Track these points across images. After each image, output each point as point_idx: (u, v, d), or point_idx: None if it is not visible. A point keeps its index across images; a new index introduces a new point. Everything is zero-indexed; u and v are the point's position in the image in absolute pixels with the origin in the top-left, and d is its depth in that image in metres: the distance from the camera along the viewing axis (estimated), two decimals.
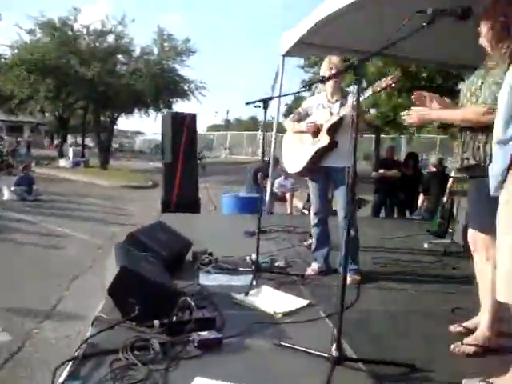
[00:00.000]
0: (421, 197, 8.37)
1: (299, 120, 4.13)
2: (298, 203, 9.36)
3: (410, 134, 19.05)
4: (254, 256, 3.98)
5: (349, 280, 3.77)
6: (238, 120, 73.01)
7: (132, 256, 3.09)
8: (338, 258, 3.86)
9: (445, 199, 5.40)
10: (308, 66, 21.60)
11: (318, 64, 20.34)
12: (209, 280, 3.70)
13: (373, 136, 23.32)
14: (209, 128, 75.01)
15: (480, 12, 2.54)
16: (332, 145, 3.85)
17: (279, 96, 5.36)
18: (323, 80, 3.84)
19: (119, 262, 2.78)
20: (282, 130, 6.28)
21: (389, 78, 3.29)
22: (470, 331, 2.82)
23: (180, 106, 39.61)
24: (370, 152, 25.14)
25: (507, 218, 1.95)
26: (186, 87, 26.08)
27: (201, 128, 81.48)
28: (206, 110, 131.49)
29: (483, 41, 2.62)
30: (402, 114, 2.85)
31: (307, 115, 4.12)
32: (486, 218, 2.54)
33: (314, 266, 4.11)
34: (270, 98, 3.65)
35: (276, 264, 4.27)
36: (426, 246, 5.43)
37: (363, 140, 30.53)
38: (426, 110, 2.75)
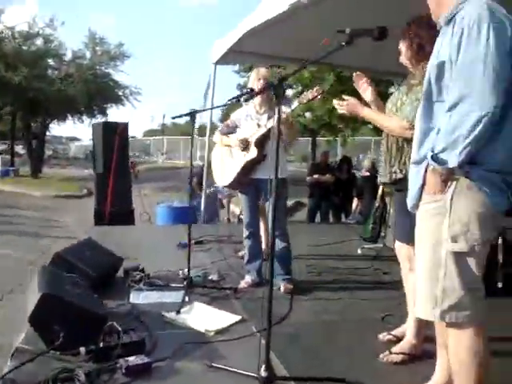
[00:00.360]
0: (355, 201, 8.56)
1: (228, 132, 4.12)
2: (236, 209, 9.33)
3: (344, 137, 19.48)
4: (186, 270, 3.92)
5: (282, 288, 3.81)
6: (174, 124, 72.21)
7: (56, 280, 2.96)
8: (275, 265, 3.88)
9: (377, 204, 5.53)
10: (243, 70, 21.67)
11: (252, 69, 20.45)
12: (140, 298, 3.61)
13: (309, 138, 23.73)
14: (145, 133, 73.92)
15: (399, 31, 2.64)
16: (260, 157, 3.86)
17: (203, 110, 5.27)
18: (250, 93, 3.84)
19: (41, 288, 2.66)
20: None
21: (314, 90, 3.35)
22: (398, 339, 2.89)
23: (115, 112, 38.74)
24: (307, 154, 25.58)
25: (421, 239, 2.01)
26: (120, 93, 25.52)
27: (137, 133, 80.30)
28: (143, 114, 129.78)
29: (403, 59, 2.72)
30: (335, 102, 2.90)
31: (236, 127, 4.11)
32: (409, 230, 2.63)
33: (248, 278, 4.10)
34: (196, 112, 3.61)
35: (209, 278, 4.22)
36: (359, 251, 5.55)
37: (300, 142, 31.02)
38: (359, 104, 2.81)
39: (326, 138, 22.53)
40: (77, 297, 2.80)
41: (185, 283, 3.78)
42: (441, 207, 1.89)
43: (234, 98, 3.94)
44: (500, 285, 4.03)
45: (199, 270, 4.42)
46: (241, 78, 20.91)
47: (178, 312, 3.29)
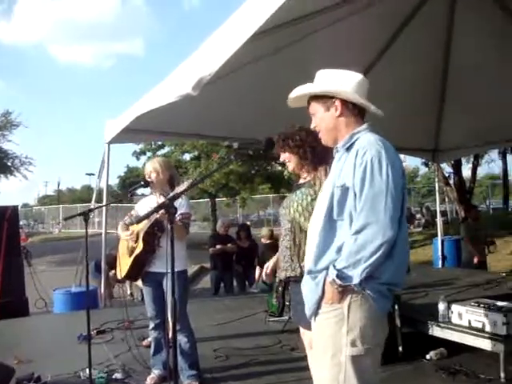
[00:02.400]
0: (257, 269, 8.58)
1: (131, 223, 4.06)
2: (139, 283, 9.04)
3: (242, 198, 19.94)
4: (88, 371, 3.71)
5: None
6: (70, 190, 69.79)
7: None
8: (179, 360, 3.79)
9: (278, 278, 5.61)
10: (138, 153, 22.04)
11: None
12: None
13: (208, 200, 24.00)
14: (39, 199, 70.64)
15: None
16: (147, 251, 3.83)
17: (96, 208, 5.15)
18: (145, 185, 3.86)
19: None
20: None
21: (186, 182, 3.42)
22: None
23: (3, 182, 36.67)
24: (207, 214, 25.83)
25: (322, 341, 2.11)
26: (9, 163, 24.29)
27: (31, 200, 76.36)
28: (36, 179, 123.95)
29: (297, 170, 2.98)
30: None
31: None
32: None
33: (155, 372, 3.97)
34: (90, 210, 3.56)
35: (114, 376, 4.04)
36: (264, 325, 5.57)
37: (200, 204, 31.20)
38: None
39: (224, 199, 22.92)
40: None
41: None
42: (339, 315, 2.05)
43: (130, 192, 3.94)
44: (400, 348, 4.24)
45: (102, 367, 4.21)
46: (137, 145, 20.75)
47: None
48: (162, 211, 2.94)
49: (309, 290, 2.16)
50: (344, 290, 2.02)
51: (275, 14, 3.11)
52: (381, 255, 1.95)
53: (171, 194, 2.43)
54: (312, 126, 2.32)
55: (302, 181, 3.01)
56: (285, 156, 2.94)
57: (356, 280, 1.97)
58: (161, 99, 4.95)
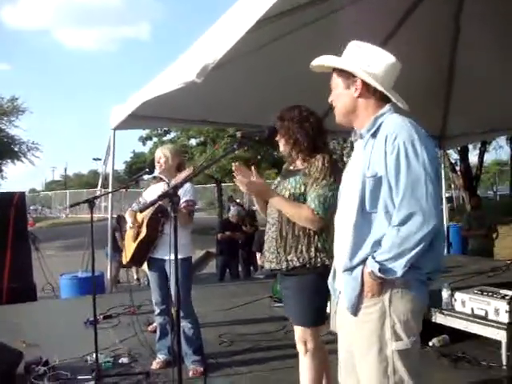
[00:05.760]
0: (258, 255, 8.64)
1: (139, 210, 4.09)
2: (145, 268, 9.10)
3: None
4: (94, 356, 3.77)
5: (190, 373, 3.76)
6: (77, 175, 70.03)
7: None
8: (183, 346, 3.85)
9: None
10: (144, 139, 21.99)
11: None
12: None
13: (215, 185, 24.04)
14: (47, 184, 71.00)
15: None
16: (150, 237, 3.87)
17: (100, 196, 5.17)
18: (149, 172, 3.89)
19: None
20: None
21: (187, 170, 3.44)
22: None
23: (11, 168, 36.89)
24: (213, 199, 25.85)
25: (365, 338, 2.05)
26: (16, 149, 24.33)
27: (38, 185, 76.71)
28: (44, 165, 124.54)
29: (288, 153, 2.79)
30: (237, 176, 2.64)
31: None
32: (305, 313, 2.72)
33: (160, 358, 4.02)
34: (95, 197, 3.58)
35: (120, 361, 4.11)
36: (269, 311, 5.62)
37: (206, 189, 31.22)
38: (265, 186, 2.70)
39: (231, 184, 22.92)
40: None
41: (93, 374, 3.63)
42: (381, 309, 1.98)
43: (135, 179, 3.96)
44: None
45: (108, 352, 4.28)
46: (143, 130, 20.76)
47: None
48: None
49: (347, 285, 2.07)
50: (384, 283, 1.95)
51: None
52: (425, 246, 1.88)
53: (173, 183, 2.41)
54: (329, 100, 2.19)
55: (296, 167, 2.81)
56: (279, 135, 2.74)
57: (399, 273, 1.90)
58: (166, 86, 4.94)
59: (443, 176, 10.31)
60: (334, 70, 2.14)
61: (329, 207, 2.54)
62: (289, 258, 2.67)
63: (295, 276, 2.71)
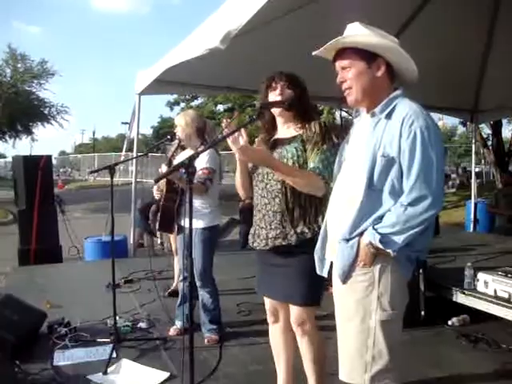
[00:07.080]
0: None
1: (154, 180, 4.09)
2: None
3: None
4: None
5: (206, 341, 3.81)
6: (105, 138, 70.82)
7: None
8: (201, 314, 3.89)
9: None
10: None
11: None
12: (64, 358, 3.51)
13: None
14: (76, 147, 72.14)
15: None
16: (170, 199, 3.89)
17: (122, 162, 5.20)
18: (170, 139, 3.86)
19: None
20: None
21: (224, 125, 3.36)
22: None
23: (41, 130, 37.46)
24: None
25: (350, 306, 2.09)
26: (46, 112, 24.64)
27: (68, 147, 77.91)
28: (73, 127, 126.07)
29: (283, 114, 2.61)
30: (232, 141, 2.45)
31: None
32: (313, 291, 2.57)
33: (177, 324, 4.08)
34: (116, 164, 3.58)
35: (138, 325, 4.18)
36: None
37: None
38: (266, 153, 2.49)
39: None
40: None
41: (112, 337, 3.71)
42: (370, 279, 2.04)
43: (155, 147, 3.94)
44: (423, 313, 4.22)
45: (128, 316, 4.36)
46: (171, 95, 20.74)
47: (105, 373, 3.23)
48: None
49: (342, 253, 2.09)
50: (377, 255, 2.01)
51: None
52: (425, 227, 1.98)
53: (187, 155, 2.30)
54: (338, 81, 2.11)
55: (288, 134, 2.62)
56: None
57: (396, 247, 1.97)
58: (190, 52, 4.89)
59: (473, 150, 10.09)
60: (344, 50, 2.08)
61: (331, 172, 2.40)
62: (298, 230, 2.52)
63: (302, 254, 2.51)
